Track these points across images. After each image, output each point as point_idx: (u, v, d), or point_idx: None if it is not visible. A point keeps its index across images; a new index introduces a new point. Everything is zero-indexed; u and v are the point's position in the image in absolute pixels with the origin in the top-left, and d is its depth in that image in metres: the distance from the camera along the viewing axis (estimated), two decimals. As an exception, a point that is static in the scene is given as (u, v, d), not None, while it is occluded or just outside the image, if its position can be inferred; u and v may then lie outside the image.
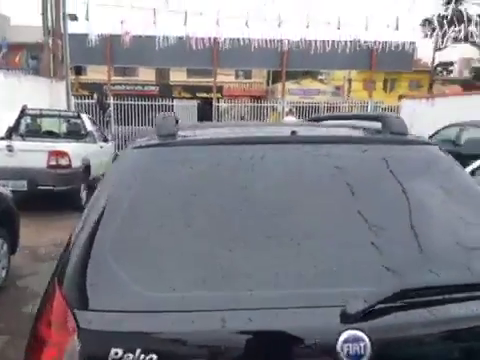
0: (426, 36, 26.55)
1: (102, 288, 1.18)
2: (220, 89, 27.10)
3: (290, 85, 31.46)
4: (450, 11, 24.60)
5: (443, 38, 23.69)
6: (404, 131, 1.70)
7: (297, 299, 1.13)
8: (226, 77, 27.98)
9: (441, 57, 34.97)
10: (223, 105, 17.44)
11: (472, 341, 1.14)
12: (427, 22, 25.85)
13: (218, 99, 21.39)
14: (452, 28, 20.46)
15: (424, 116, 12.53)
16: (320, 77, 37.53)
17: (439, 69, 38.77)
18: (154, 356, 1.06)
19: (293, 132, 1.61)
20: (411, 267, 1.23)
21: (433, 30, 22.25)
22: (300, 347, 1.09)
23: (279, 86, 32.03)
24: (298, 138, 1.59)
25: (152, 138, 1.66)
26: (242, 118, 16.54)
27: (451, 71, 45.80)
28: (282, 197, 1.38)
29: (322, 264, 1.21)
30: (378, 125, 1.80)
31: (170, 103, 16.77)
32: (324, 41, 14.95)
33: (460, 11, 22.84)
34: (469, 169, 3.68)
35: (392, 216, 1.37)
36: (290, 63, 16.29)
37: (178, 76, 29.99)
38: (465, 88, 31.27)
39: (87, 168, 7.52)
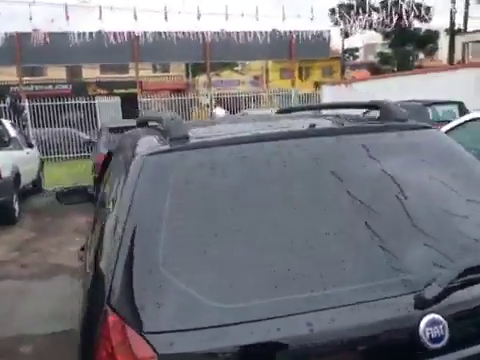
0: (335, 24, 27.93)
1: (171, 307, 1.10)
2: (139, 83, 26.33)
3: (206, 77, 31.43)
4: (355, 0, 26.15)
5: (350, 26, 25.06)
6: (406, 117, 1.77)
7: (369, 292, 1.14)
8: (143, 71, 27.22)
9: (347, 44, 37.02)
10: (146, 100, 17.00)
11: None
12: (335, 10, 27.13)
13: (139, 93, 20.79)
14: (358, 16, 21.65)
15: (345, 100, 13.21)
16: (236, 68, 37.94)
17: (347, 55, 41.05)
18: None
19: (312, 125, 1.61)
20: (454, 249, 1.29)
21: (341, 18, 23.40)
22: (385, 338, 1.10)
23: (200, 79, 31.82)
24: (319, 131, 1.59)
25: (161, 142, 1.57)
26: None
27: (357, 56, 48.72)
28: (321, 192, 1.38)
29: (377, 255, 1.23)
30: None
31: (91, 101, 16.02)
32: (245, 32, 15.10)
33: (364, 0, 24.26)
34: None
35: (426, 203, 1.42)
36: (213, 55, 16.25)
37: (91, 73, 28.68)
38: (372, 72, 33.40)
39: (17, 177, 6.96)
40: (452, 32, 28.32)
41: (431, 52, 32.61)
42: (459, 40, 28.03)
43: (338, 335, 1.09)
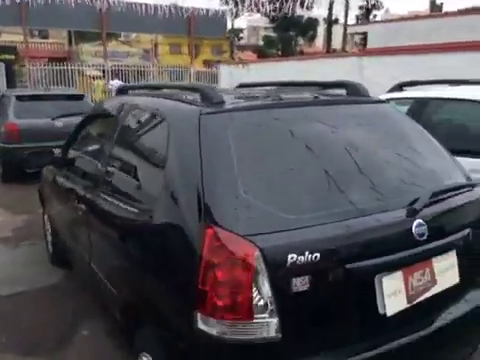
0: (226, 3, 28.57)
1: (258, 218, 1.54)
2: (13, 49, 24.02)
3: (95, 47, 29.85)
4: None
5: (240, 8, 25.94)
6: (368, 94, 2.39)
7: (380, 204, 1.72)
8: (17, 36, 24.83)
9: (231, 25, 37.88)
10: (26, 68, 15.75)
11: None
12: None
13: (15, 61, 19.10)
14: (246, -1, 22.52)
15: (241, 80, 13.92)
16: (120, 39, 36.46)
17: (232, 36, 42.04)
18: (318, 254, 1.51)
19: (316, 96, 2.15)
20: (424, 182, 1.92)
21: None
22: (396, 232, 1.70)
23: (83, 47, 29.99)
24: (322, 101, 2.14)
25: (203, 105, 1.93)
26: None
27: (242, 38, 50.16)
28: (334, 141, 1.92)
29: (375, 182, 1.81)
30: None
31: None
32: (146, 4, 14.88)
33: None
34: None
35: (397, 151, 2.05)
36: (110, 25, 15.68)
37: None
38: (258, 54, 34.98)
39: None
40: (330, 21, 30.94)
41: (311, 39, 35.06)
42: (336, 30, 30.80)
43: (370, 231, 1.66)
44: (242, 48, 40.13)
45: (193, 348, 1.56)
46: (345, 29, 28.27)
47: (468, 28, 8.80)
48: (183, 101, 2.11)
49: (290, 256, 1.47)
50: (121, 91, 2.98)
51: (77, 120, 7.03)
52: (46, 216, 4.09)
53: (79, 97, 7.95)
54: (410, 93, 3.94)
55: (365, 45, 29.54)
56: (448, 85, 3.92)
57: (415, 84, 4.07)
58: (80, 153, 3.08)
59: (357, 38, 34.24)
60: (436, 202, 1.82)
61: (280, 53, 32.43)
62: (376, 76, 8.63)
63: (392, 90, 4.06)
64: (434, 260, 1.78)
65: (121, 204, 2.11)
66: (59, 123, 7.16)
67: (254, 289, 1.45)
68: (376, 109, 2.28)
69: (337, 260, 1.57)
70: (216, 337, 1.47)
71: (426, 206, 1.76)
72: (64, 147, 3.37)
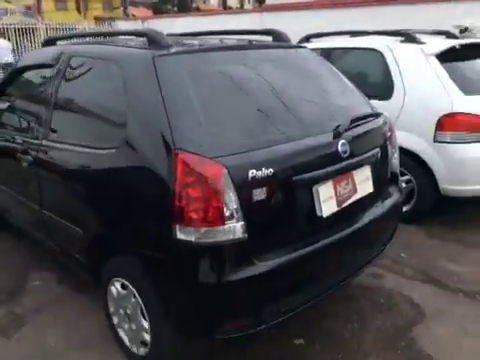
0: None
1: (219, 143, 1.83)
2: None
3: (-34, 3, 26.54)
4: None
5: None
6: (289, 40, 2.75)
7: (313, 129, 2.11)
8: None
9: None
10: None
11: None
12: None
13: None
14: None
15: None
16: (-5, -6, 32.74)
17: (124, -10, 39.80)
18: (271, 169, 1.85)
19: (250, 42, 2.44)
20: (339, 113, 2.35)
21: None
22: (325, 150, 2.09)
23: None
24: (260, 45, 2.47)
25: (152, 49, 2.12)
26: None
27: (131, -7, 47.58)
28: (271, 77, 2.25)
29: (308, 112, 2.19)
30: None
31: None
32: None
33: None
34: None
35: (321, 86, 2.45)
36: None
37: None
38: (154, 11, 33.73)
39: None
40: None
41: (206, -4, 34.57)
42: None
43: (308, 150, 2.04)
44: (135, 4, 38.28)
45: (173, 256, 1.84)
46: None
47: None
48: (131, 46, 2.27)
49: (250, 172, 1.80)
50: (49, 42, 2.99)
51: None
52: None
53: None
54: (316, 44, 4.39)
55: (261, 3, 29.98)
56: (349, 36, 4.44)
57: (321, 36, 4.53)
58: (12, 107, 3.05)
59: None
60: (354, 127, 2.26)
61: (176, 9, 31.61)
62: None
63: (301, 42, 4.46)
64: (354, 173, 2.23)
65: (79, 148, 2.25)
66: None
67: (223, 201, 1.76)
68: (299, 52, 2.64)
69: (285, 174, 1.93)
70: (194, 242, 1.76)
71: (347, 130, 2.18)
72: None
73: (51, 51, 2.77)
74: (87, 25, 19.34)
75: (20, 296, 2.96)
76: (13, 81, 3.12)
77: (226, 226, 1.77)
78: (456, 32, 4.72)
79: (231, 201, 1.77)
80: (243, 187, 1.79)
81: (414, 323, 2.63)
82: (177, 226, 1.77)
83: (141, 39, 2.29)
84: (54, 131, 2.48)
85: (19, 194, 2.90)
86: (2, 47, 13.59)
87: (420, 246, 3.57)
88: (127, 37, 2.70)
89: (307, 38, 4.52)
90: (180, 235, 1.77)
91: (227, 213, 1.76)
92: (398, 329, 2.58)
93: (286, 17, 9.91)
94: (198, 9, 31.60)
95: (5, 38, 15.47)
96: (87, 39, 2.98)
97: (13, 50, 14.78)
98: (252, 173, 1.80)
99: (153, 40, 2.15)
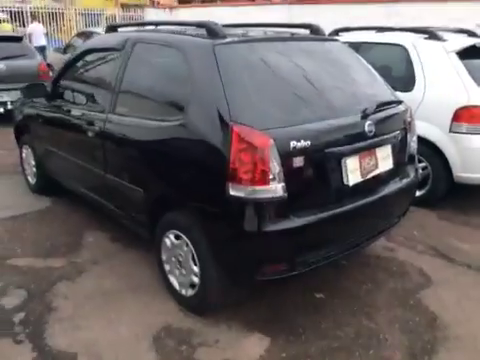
0: None
1: (271, 118, 2.22)
2: None
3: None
4: None
5: None
6: (325, 33, 3.12)
7: (344, 111, 2.48)
8: None
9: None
10: None
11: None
12: None
13: None
14: None
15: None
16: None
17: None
18: (309, 142, 2.23)
19: (293, 34, 2.83)
20: (366, 98, 2.71)
21: None
22: (353, 129, 2.47)
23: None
24: (300, 37, 2.86)
25: (211, 38, 2.51)
26: None
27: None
28: (312, 66, 2.64)
29: (340, 96, 2.57)
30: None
31: None
32: None
33: None
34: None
35: (353, 75, 2.83)
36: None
37: None
38: (180, 0, 34.04)
39: None
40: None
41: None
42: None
43: (340, 128, 2.42)
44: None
45: (225, 209, 2.24)
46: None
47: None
48: (193, 35, 2.67)
49: (291, 143, 2.19)
50: (112, 28, 3.42)
51: (19, 63, 7.11)
52: (26, 151, 4.41)
53: (18, 39, 7.81)
54: (345, 38, 4.72)
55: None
56: (375, 31, 4.76)
57: (349, 30, 4.86)
58: (78, 85, 3.49)
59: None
60: (379, 111, 2.63)
61: (202, -2, 31.80)
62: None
63: (330, 35, 4.80)
64: (377, 150, 2.61)
65: (145, 121, 2.65)
66: (1, 66, 7.10)
67: (268, 165, 2.16)
68: (333, 45, 3.02)
69: (319, 147, 2.31)
70: (243, 198, 2.16)
71: (373, 113, 2.56)
72: (54, 82, 3.72)
73: (116, 37, 3.18)
74: (116, 11, 19.86)
75: (78, 250, 3.41)
76: (78, 62, 3.55)
77: (270, 186, 2.17)
78: (478, 31, 5.00)
79: (275, 166, 2.16)
80: (285, 155, 2.18)
81: (422, 288, 3.00)
82: (230, 184, 2.17)
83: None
84: (120, 106, 2.89)
85: (82, 161, 3.34)
86: (36, 31, 14.09)
87: (432, 226, 3.92)
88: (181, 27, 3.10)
89: (336, 32, 4.86)
90: (232, 192, 2.18)
91: (271, 175, 2.16)
92: (407, 291, 2.95)
93: (313, 10, 10.20)
94: (223, -2, 31.76)
95: (38, 22, 16.04)
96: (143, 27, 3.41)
97: (46, 34, 15.28)
98: (293, 144, 2.19)
99: (212, 31, 2.55)
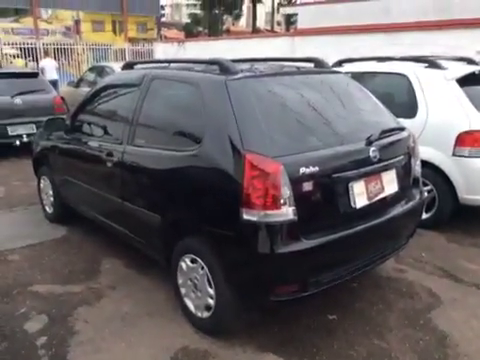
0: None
1: (276, 146, 2.37)
2: None
3: (11, 24, 28.38)
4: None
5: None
6: (329, 66, 3.30)
7: (349, 138, 2.63)
8: None
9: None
10: None
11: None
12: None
13: None
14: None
15: (178, 58, 14.40)
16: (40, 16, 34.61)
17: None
18: (317, 168, 2.37)
19: (298, 68, 3.01)
20: (370, 126, 2.86)
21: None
22: (359, 155, 2.61)
23: (-3, 24, 28.23)
24: (306, 70, 3.04)
25: (224, 74, 2.70)
26: None
27: (163, 15, 49.47)
28: (316, 97, 2.81)
29: (345, 125, 2.72)
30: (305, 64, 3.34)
31: None
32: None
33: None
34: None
35: (356, 105, 2.99)
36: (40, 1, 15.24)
37: None
38: (186, 33, 35.07)
39: None
40: (254, 1, 31.83)
41: (237, 18, 35.69)
42: (258, 9, 31.69)
43: (346, 154, 2.56)
44: (166, 26, 39.83)
45: (239, 233, 2.36)
46: (273, 10, 29.22)
47: (385, 11, 10.11)
48: (207, 72, 2.86)
49: (301, 169, 2.33)
50: (128, 66, 3.64)
51: (35, 97, 7.39)
52: (44, 181, 4.59)
53: (34, 75, 8.14)
54: (348, 68, 4.92)
55: (289, 25, 30.86)
56: (376, 62, 4.97)
57: (351, 61, 5.07)
58: (97, 118, 3.69)
59: (279, 18, 35.30)
60: (383, 137, 2.77)
61: (207, 31, 32.72)
62: (307, 55, 9.75)
63: (334, 66, 5.01)
64: (383, 174, 2.74)
65: (162, 152, 2.82)
66: (18, 101, 7.39)
67: (280, 190, 2.29)
68: (337, 77, 3.19)
69: (327, 172, 2.45)
70: (256, 222, 2.29)
71: (377, 139, 2.70)
72: (73, 115, 3.93)
73: (133, 73, 3.40)
74: (126, 46, 20.52)
75: (95, 276, 3.53)
76: (96, 97, 3.76)
77: (281, 210, 2.30)
78: (478, 58, 5.19)
79: (286, 191, 2.29)
80: (295, 180, 2.32)
81: (431, 308, 3.07)
82: (244, 209, 2.31)
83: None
84: (138, 138, 3.07)
85: (100, 190, 3.50)
86: (49, 66, 14.57)
87: (439, 248, 4.00)
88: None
89: (340, 63, 5.07)
90: (246, 216, 2.31)
91: (282, 200, 2.29)
92: (417, 311, 3.02)
93: (316, 41, 10.53)
94: (228, 31, 32.65)
95: (51, 57, 16.62)
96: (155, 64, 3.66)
97: (57, 68, 15.79)
98: (302, 170, 2.33)
99: (224, 67, 2.73)
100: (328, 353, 2.61)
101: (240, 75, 2.68)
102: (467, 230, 4.34)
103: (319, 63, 3.28)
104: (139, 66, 3.59)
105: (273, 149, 2.36)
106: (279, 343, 2.69)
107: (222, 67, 2.75)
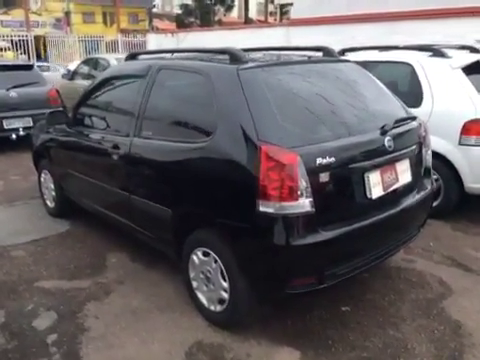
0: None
1: (292, 136, 2.32)
2: None
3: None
4: None
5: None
6: (338, 55, 3.25)
7: (364, 128, 2.59)
8: None
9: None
10: None
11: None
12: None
13: None
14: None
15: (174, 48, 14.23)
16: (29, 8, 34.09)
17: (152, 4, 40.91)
18: (333, 158, 2.33)
19: (309, 57, 2.96)
20: (383, 115, 2.82)
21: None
22: (374, 145, 2.57)
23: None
24: (316, 59, 2.98)
25: (235, 63, 2.63)
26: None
27: (154, 6, 48.96)
28: (329, 86, 2.77)
29: (358, 114, 2.68)
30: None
31: None
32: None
33: None
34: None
35: (370, 94, 2.95)
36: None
37: None
38: (177, 24, 34.68)
39: None
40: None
41: (229, 8, 35.33)
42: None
43: (362, 144, 2.52)
44: (158, 16, 39.38)
45: (255, 225, 2.32)
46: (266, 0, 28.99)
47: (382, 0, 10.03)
48: (217, 61, 2.80)
49: (317, 160, 2.29)
50: (132, 57, 3.56)
51: (30, 90, 7.25)
52: (45, 175, 4.51)
53: (28, 67, 8.00)
54: (351, 57, 4.87)
55: (282, 16, 30.63)
56: (377, 51, 4.93)
57: (354, 50, 5.02)
58: (101, 111, 3.60)
59: (272, 8, 35.04)
60: (397, 127, 2.74)
61: (199, 22, 32.40)
62: (304, 45, 9.66)
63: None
64: (397, 164, 2.70)
65: (172, 143, 2.75)
66: (13, 94, 7.26)
67: (296, 182, 2.25)
68: (349, 66, 3.14)
69: (343, 162, 2.40)
70: (273, 213, 2.25)
71: (392, 129, 2.66)
72: (75, 108, 3.84)
73: (137, 64, 3.31)
74: (119, 37, 20.28)
75: (102, 270, 3.48)
76: (99, 89, 3.68)
77: (298, 201, 2.25)
78: (478, 46, 5.16)
79: (302, 182, 2.25)
80: (311, 171, 2.27)
81: (443, 297, 3.06)
82: (260, 201, 2.26)
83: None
84: (145, 130, 3.00)
85: (105, 183, 3.43)
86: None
87: (447, 237, 3.99)
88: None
89: (342, 52, 5.01)
90: (262, 208, 2.26)
91: (299, 191, 2.25)
92: (429, 301, 3.01)
93: (311, 31, 10.43)
94: (220, 22, 32.36)
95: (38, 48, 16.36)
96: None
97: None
98: (319, 161, 2.29)
99: (234, 56, 2.67)
100: (343, 345, 2.59)
101: (252, 64, 2.62)
102: (472, 218, 4.34)
103: (328, 52, 3.22)
104: (144, 56, 3.51)
105: (288, 140, 2.31)
106: (293, 335, 2.67)
107: (233, 56, 2.68)
